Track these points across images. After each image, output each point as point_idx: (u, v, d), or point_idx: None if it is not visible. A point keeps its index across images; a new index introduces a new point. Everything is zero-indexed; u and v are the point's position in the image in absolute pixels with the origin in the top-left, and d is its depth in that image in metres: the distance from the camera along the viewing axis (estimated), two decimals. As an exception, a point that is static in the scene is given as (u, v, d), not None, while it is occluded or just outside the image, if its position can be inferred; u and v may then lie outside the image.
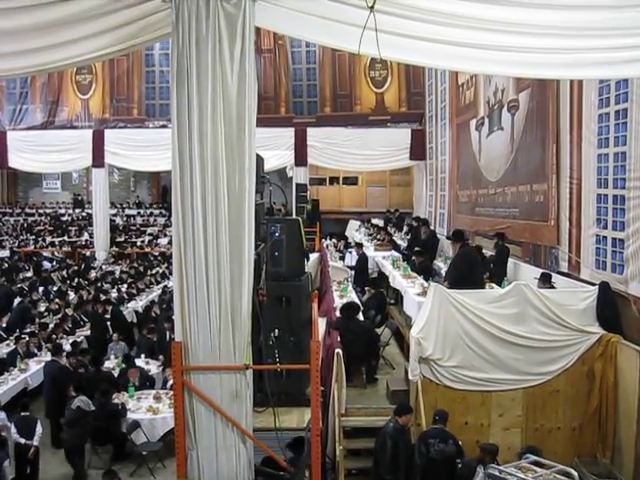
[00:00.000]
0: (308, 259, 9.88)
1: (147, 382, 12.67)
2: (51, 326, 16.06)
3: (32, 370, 13.34)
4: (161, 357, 13.80)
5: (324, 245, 21.42)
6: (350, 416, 9.85)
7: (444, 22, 6.80)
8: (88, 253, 29.31)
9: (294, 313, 8.73)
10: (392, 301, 15.76)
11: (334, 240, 22.79)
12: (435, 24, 6.84)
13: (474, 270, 11.48)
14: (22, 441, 10.19)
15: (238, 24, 6.76)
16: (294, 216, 21.03)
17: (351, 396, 10.10)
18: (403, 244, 20.55)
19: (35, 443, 10.32)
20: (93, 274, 24.77)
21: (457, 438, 8.65)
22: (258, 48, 26.38)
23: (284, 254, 8.76)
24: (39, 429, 10.49)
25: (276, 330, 8.55)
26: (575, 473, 7.55)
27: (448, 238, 15.95)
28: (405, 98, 27.99)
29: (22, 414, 10.58)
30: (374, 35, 6.55)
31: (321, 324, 10.66)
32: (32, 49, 7.63)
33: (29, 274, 25.06)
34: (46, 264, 27.12)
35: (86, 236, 31.40)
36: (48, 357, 13.45)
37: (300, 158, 26.80)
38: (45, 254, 29.92)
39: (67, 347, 14.19)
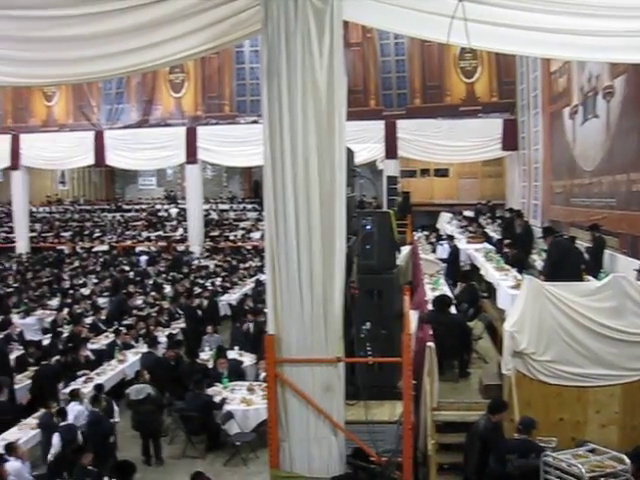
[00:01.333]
0: (399, 252, 9.86)
1: (238, 374, 12.83)
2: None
3: (129, 361, 13.73)
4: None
5: (415, 238, 21.29)
6: (442, 410, 9.75)
7: (537, 8, 6.66)
8: (183, 247, 29.98)
9: (386, 306, 8.72)
10: (485, 294, 15.53)
11: (425, 232, 22.63)
12: (528, 11, 6.70)
13: (567, 261, 11.18)
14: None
15: (326, 19, 6.79)
16: (385, 209, 20.98)
17: (443, 390, 10.00)
18: (495, 236, 20.21)
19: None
20: (187, 268, 25.31)
21: (544, 447, 8.27)
22: (346, 42, 26.33)
23: (375, 247, 8.75)
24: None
25: (368, 323, 8.55)
26: (627, 459, 7.30)
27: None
28: (496, 87, 27.48)
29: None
30: (463, 24, 6.47)
31: (413, 317, 10.60)
32: (127, 50, 7.84)
33: (126, 268, 25.82)
34: (142, 259, 27.86)
35: (180, 231, 32.13)
36: (145, 349, 13.84)
37: (390, 151, 26.67)
38: (141, 249, 30.79)
39: (163, 339, 14.59)
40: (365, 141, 26.05)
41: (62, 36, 8.09)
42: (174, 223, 33.63)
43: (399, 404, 7.75)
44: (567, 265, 11.08)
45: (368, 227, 8.77)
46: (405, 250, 16.56)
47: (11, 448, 8.96)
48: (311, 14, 6.78)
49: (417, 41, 26.82)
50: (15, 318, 16.58)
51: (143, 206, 36.60)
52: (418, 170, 31.42)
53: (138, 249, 30.95)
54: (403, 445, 7.20)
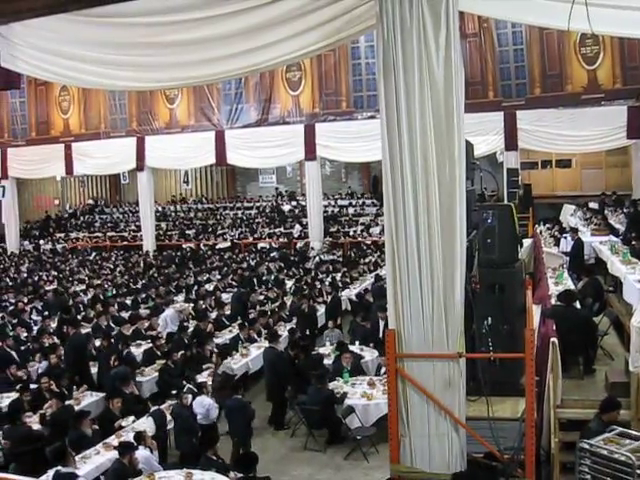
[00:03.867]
0: (521, 245, 9.67)
1: (359, 369, 12.89)
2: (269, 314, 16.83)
3: (252, 355, 14.03)
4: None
5: (537, 231, 20.80)
6: (566, 408, 9.50)
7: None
8: (303, 243, 30.36)
9: (508, 301, 8.58)
10: (611, 288, 15.01)
11: (548, 225, 22.07)
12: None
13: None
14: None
15: (442, 10, 6.72)
16: (506, 202, 20.59)
17: (567, 387, 9.74)
18: (621, 228, 19.48)
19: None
20: (309, 264, 25.62)
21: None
22: (463, 33, 25.94)
23: (496, 241, 8.62)
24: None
25: (489, 318, 8.45)
26: None
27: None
28: (620, 74, 26.37)
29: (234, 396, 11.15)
30: (584, 10, 6.27)
31: (535, 312, 10.38)
32: (244, 51, 8.03)
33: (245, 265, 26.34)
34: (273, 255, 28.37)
35: (297, 227, 32.58)
36: (267, 343, 14.12)
37: (510, 142, 26.10)
38: (262, 245, 31.38)
39: (284, 334, 14.85)
40: (484, 133, 25.61)
41: (182, 40, 8.36)
42: (290, 220, 34.11)
43: (522, 401, 7.61)
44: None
45: (489, 221, 8.64)
46: (527, 243, 16.21)
47: (140, 437, 9.33)
48: (426, 7, 6.74)
49: (535, 29, 26.09)
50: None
51: (263, 203, 37.25)
52: (539, 161, 30.63)
53: (260, 245, 31.56)
54: (526, 443, 7.08)
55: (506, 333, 8.42)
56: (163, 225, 35.91)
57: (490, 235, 8.62)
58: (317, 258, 27.03)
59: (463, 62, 7.42)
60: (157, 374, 12.82)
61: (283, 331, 15.17)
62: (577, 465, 7.26)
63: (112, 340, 14.14)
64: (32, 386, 11.93)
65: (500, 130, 26.13)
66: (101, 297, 20.01)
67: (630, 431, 7.51)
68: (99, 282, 22.93)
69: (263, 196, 37.95)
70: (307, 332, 15.98)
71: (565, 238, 18.43)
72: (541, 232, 20.57)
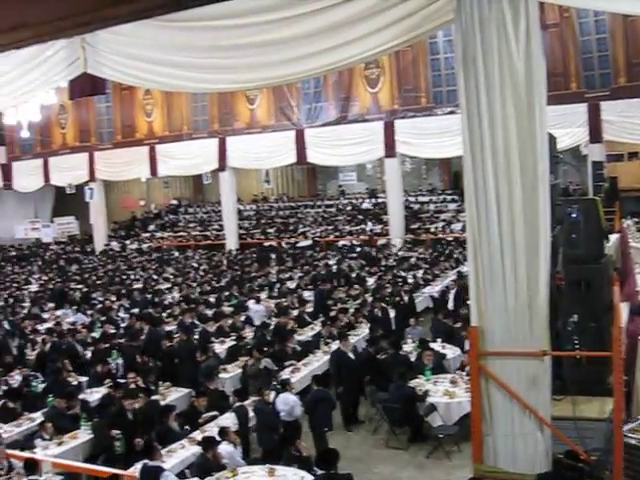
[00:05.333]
0: (608, 240, 9.43)
1: (440, 366, 12.77)
2: (351, 311, 16.84)
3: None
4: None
5: (624, 225, 20.24)
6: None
7: None
8: (384, 240, 30.30)
9: (594, 297, 8.37)
10: None
11: (635, 219, 21.47)
12: None
13: None
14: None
15: (521, 2, 6.63)
16: (591, 196, 20.10)
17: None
18: None
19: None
20: (389, 261, 25.56)
21: None
22: (543, 24, 25.37)
23: (582, 236, 8.42)
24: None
25: (575, 315, 8.27)
26: None
27: None
28: None
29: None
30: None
31: (624, 309, 10.10)
32: (323, 50, 8.06)
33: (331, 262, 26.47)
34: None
35: (373, 224, 32.68)
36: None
37: (595, 134, 25.48)
38: (343, 243, 31.46)
39: (365, 331, 14.84)
40: (567, 126, 25.02)
41: (263, 41, 8.45)
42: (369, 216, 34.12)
43: (609, 401, 7.42)
44: None
45: (574, 215, 8.45)
46: (613, 238, 15.79)
47: (224, 433, 9.46)
48: (505, -2, 6.64)
49: (619, 17, 25.34)
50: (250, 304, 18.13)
51: (344, 201, 37.33)
52: (625, 153, 29.70)
53: (340, 243, 31.67)
54: (614, 444, 6.89)
55: (593, 331, 8.21)
56: (245, 224, 36.38)
57: (575, 230, 8.42)
58: (398, 255, 26.93)
59: (544, 53, 7.28)
60: (240, 371, 12.98)
61: (364, 329, 15.16)
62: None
63: (195, 337, 14.42)
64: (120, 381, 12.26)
65: (584, 122, 25.53)
66: (191, 296, 20.49)
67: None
68: (184, 281, 23.46)
69: (344, 194, 38.01)
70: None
71: (654, 232, 17.93)
72: (628, 226, 20.02)
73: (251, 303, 18.35)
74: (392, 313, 16.66)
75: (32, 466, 8.52)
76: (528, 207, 6.91)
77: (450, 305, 17.44)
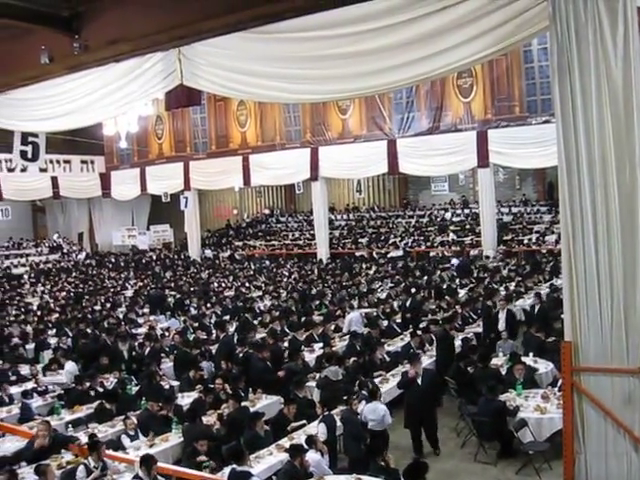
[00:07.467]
0: None
1: (532, 381, 12.49)
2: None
3: (423, 364, 13.88)
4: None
5: None
6: None
7: None
8: (476, 252, 29.89)
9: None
10: None
11: None
12: None
13: None
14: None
15: (619, 6, 6.46)
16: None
17: None
18: None
19: None
20: (480, 273, 25.20)
21: None
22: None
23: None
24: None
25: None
26: None
27: None
28: None
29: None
30: None
31: None
32: (415, 60, 8.05)
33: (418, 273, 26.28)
34: (454, 260, 28.10)
35: (453, 236, 32.45)
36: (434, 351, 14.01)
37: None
38: (434, 254, 31.21)
39: (457, 343, 14.69)
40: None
41: (355, 51, 8.49)
42: (458, 228, 33.77)
43: None
44: None
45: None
46: None
47: (311, 441, 9.49)
48: (602, 4, 6.50)
49: None
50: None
51: (435, 211, 37.05)
52: None
53: (431, 254, 31.42)
54: None
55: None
56: (336, 233, 36.51)
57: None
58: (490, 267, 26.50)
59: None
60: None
61: (456, 340, 14.98)
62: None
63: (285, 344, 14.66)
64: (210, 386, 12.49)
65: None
66: (282, 304, 20.77)
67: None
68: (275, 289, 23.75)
69: (436, 204, 37.71)
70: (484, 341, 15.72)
71: None
72: None
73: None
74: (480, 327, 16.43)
75: (149, 462, 8.69)
76: (625, 219, 6.71)
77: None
